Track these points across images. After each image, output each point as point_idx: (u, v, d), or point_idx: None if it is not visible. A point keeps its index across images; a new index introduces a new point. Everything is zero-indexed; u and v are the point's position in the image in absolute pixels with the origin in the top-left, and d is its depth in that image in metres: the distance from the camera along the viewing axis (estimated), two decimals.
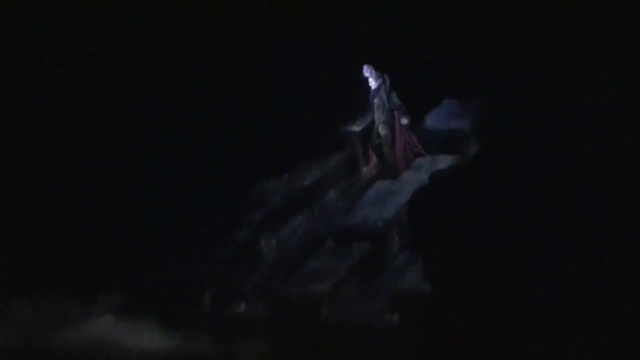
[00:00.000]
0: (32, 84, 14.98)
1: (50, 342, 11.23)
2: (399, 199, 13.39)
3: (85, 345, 11.20)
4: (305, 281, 11.90)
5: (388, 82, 14.01)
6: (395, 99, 13.98)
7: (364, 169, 14.79)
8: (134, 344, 11.31)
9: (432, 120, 15.23)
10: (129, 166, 14.30)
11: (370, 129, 14.45)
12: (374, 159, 14.55)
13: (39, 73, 15.16)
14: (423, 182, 13.49)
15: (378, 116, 14.11)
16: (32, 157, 14.29)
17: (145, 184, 14.05)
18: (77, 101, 15.07)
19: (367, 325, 11.24)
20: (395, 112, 14.06)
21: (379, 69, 13.97)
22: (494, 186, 11.92)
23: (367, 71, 14.04)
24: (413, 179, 13.97)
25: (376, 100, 14.02)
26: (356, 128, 14.72)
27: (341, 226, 13.02)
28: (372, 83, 13.96)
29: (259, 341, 11.21)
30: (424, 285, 11.47)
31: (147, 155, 14.53)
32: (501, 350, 10.11)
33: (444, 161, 14.42)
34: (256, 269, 12.83)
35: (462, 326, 10.48)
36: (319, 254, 12.60)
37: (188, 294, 12.06)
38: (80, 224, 13.44)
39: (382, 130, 14.14)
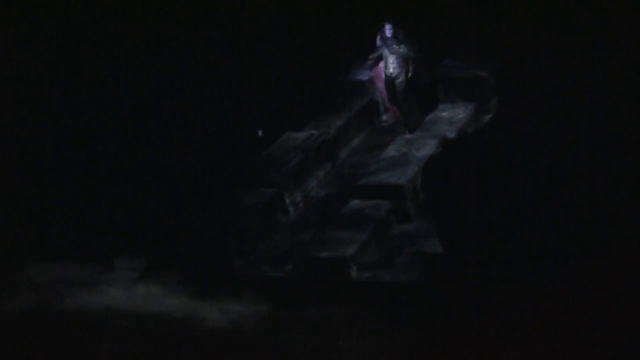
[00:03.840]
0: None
1: (67, 307, 11.18)
2: (421, 154, 13.19)
3: (102, 310, 11.15)
4: (331, 242, 11.66)
5: (402, 33, 14.25)
6: (407, 47, 14.20)
7: (384, 117, 15.26)
8: (153, 309, 11.22)
9: (449, 68, 15.15)
10: (146, 130, 14.22)
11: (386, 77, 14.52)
12: (393, 107, 14.83)
13: None
14: (444, 136, 13.48)
15: (392, 65, 14.33)
16: (49, 125, 14.25)
17: (161, 146, 13.97)
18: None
19: (390, 284, 11.09)
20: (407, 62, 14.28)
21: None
22: (511, 147, 11.76)
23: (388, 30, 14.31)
24: (434, 132, 13.86)
25: (388, 50, 14.27)
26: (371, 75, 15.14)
27: (364, 184, 12.70)
28: (388, 32, 14.24)
29: (284, 303, 11.11)
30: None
31: (163, 116, 14.49)
32: (510, 309, 10.01)
33: (463, 108, 14.46)
34: (281, 228, 12.67)
35: (476, 292, 10.34)
36: (342, 211, 12.37)
37: (210, 257, 11.80)
38: (97, 187, 13.38)
39: (395, 78, 14.32)
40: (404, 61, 14.43)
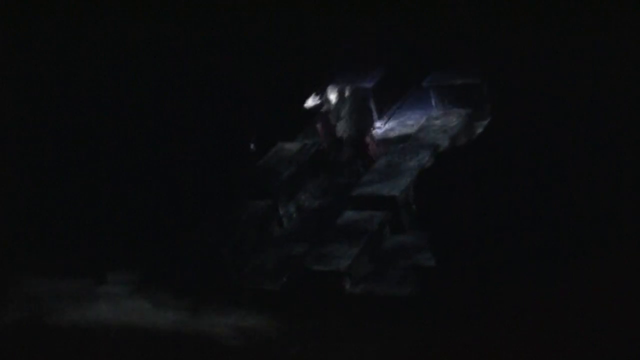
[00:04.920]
0: None
1: (58, 321, 11.22)
2: (414, 164, 13.19)
3: (94, 324, 11.16)
4: (325, 255, 11.78)
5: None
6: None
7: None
8: (148, 321, 11.26)
9: (441, 75, 14.93)
10: (141, 135, 14.25)
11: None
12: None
13: None
14: (437, 145, 13.37)
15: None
16: (42, 133, 14.26)
17: (160, 147, 14.03)
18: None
19: (384, 296, 11.16)
20: None
21: None
22: (506, 153, 11.70)
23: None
24: (428, 139, 13.75)
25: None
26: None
27: (357, 195, 12.78)
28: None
29: (280, 315, 11.16)
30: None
31: (163, 116, 14.51)
32: (507, 320, 10.04)
33: (457, 116, 14.29)
34: (275, 240, 12.72)
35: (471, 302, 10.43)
36: (336, 223, 12.44)
37: (205, 270, 11.92)
38: (88, 200, 13.42)
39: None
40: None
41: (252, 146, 14.45)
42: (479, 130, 14.12)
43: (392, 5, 14.67)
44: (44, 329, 10.89)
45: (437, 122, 14.28)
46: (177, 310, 11.34)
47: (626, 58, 13.31)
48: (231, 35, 15.33)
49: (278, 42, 15.27)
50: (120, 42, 15.22)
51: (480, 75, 14.47)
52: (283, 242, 12.74)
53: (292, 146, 14.06)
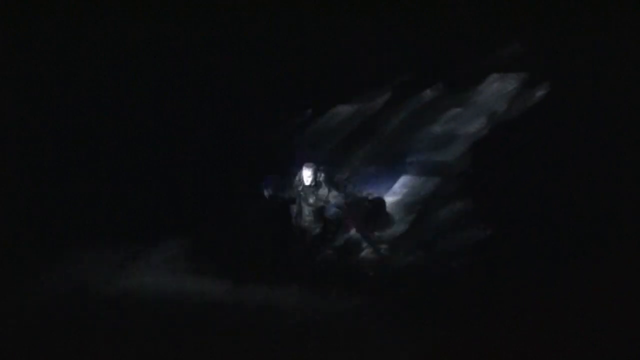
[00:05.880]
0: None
1: (101, 292, 11.17)
2: (469, 130, 12.49)
3: (140, 292, 11.19)
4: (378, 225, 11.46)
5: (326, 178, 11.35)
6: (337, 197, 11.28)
7: None
8: (191, 291, 11.18)
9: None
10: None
11: None
12: None
13: None
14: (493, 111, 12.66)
15: (307, 218, 11.43)
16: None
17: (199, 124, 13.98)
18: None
19: (434, 266, 11.01)
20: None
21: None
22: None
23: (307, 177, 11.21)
24: (483, 106, 13.04)
25: (304, 201, 11.35)
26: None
27: (410, 161, 12.44)
28: (307, 179, 11.23)
29: (327, 285, 11.01)
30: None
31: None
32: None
33: (514, 79, 13.68)
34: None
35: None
36: (389, 190, 12.09)
37: (248, 241, 11.69)
38: (136, 169, 13.38)
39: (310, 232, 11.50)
40: (322, 216, 11.42)
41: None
42: (538, 94, 13.57)
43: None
44: (90, 299, 10.93)
45: (495, 85, 13.71)
46: (220, 280, 11.27)
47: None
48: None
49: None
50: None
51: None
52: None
53: (346, 109, 13.48)
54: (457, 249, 11.09)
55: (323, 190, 11.25)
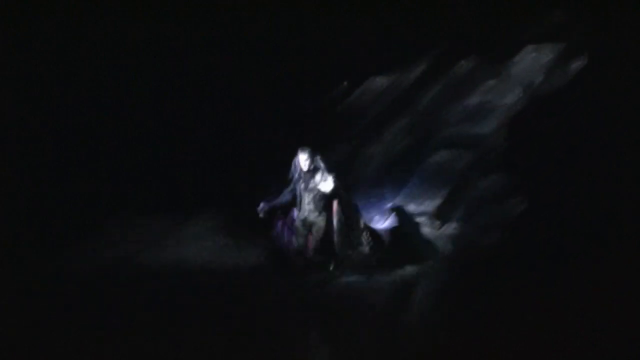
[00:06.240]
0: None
1: (144, 261, 11.22)
2: (505, 102, 12.05)
3: (182, 261, 11.18)
4: (413, 197, 11.33)
5: (323, 163, 10.77)
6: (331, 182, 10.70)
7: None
8: (230, 262, 11.20)
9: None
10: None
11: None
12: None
13: None
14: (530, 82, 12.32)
15: (307, 207, 10.78)
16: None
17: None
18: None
19: (469, 240, 10.88)
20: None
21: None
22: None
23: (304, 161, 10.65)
24: (519, 77, 12.62)
25: (303, 186, 10.76)
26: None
27: (445, 135, 12.14)
28: (304, 164, 10.67)
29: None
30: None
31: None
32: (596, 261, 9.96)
33: (551, 49, 13.26)
34: (361, 182, 12.08)
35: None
36: (424, 163, 11.88)
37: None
38: (178, 140, 13.43)
39: (311, 224, 10.87)
40: (325, 202, 10.73)
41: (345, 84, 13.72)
42: (575, 65, 13.17)
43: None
44: (134, 268, 10.98)
45: (531, 56, 13.31)
46: (256, 249, 11.25)
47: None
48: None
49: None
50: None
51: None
52: (371, 183, 12.01)
53: (381, 81, 13.14)
54: (493, 223, 10.93)
55: (321, 175, 10.73)
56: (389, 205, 11.78)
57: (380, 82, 13.38)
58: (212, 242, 11.49)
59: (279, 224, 11.09)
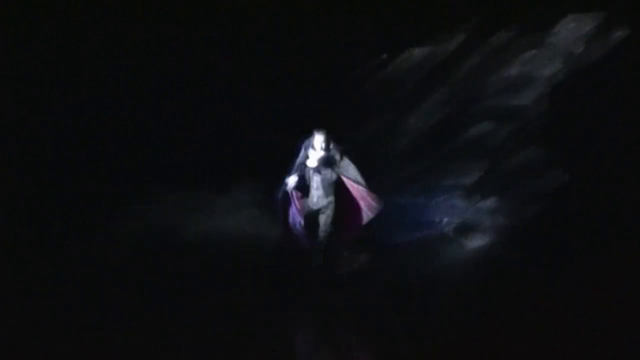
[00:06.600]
0: None
1: (185, 232, 11.44)
2: (545, 73, 11.99)
3: (217, 233, 11.25)
4: (451, 170, 11.27)
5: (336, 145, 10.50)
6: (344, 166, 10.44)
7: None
8: (265, 235, 11.33)
9: None
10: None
11: None
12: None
13: None
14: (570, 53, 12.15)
15: (316, 193, 10.47)
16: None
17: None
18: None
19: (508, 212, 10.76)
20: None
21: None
22: None
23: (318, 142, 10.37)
24: (558, 47, 12.48)
25: (312, 170, 10.47)
26: None
27: (484, 106, 12.06)
28: (318, 145, 10.42)
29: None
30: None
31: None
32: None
33: (592, 18, 12.98)
34: (398, 157, 11.94)
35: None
36: (462, 136, 11.84)
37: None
38: (210, 113, 13.51)
39: (320, 211, 10.56)
40: (334, 187, 10.44)
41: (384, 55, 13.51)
42: (616, 35, 12.88)
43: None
44: (171, 240, 11.07)
45: (571, 26, 13.05)
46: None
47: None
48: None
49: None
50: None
51: None
52: (406, 158, 11.99)
53: (418, 52, 13.02)
54: (533, 195, 10.76)
55: (334, 158, 10.39)
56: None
57: (418, 53, 13.21)
58: (247, 214, 11.44)
59: (293, 211, 10.72)
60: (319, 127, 10.50)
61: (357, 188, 10.51)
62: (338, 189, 10.54)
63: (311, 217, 10.55)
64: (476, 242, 10.93)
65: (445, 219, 11.02)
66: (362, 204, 10.60)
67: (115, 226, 11.39)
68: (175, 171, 12.53)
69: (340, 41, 14.06)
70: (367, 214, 10.66)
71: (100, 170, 12.56)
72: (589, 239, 10.01)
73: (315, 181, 10.47)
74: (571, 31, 13.02)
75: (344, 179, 10.53)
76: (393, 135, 12.32)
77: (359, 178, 10.50)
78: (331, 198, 10.50)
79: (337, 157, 10.44)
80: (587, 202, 10.38)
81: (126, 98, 13.85)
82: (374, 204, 10.56)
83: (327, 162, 10.43)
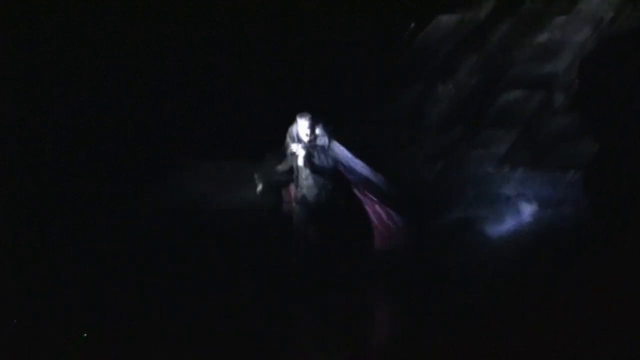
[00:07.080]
0: None
1: (216, 201, 11.56)
2: (577, 39, 11.73)
3: (247, 205, 11.32)
4: (482, 139, 11.15)
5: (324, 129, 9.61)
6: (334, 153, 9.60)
7: None
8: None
9: None
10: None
11: None
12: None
13: None
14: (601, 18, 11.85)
15: (305, 182, 9.60)
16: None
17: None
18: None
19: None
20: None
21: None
22: None
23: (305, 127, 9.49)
24: (589, 13, 12.11)
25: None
26: None
27: (515, 73, 11.87)
28: (304, 131, 9.58)
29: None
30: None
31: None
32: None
33: None
34: (430, 125, 11.84)
35: None
36: (493, 104, 11.64)
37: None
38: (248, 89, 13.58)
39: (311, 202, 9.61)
40: (325, 176, 9.55)
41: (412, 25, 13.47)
42: None
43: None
44: (201, 211, 11.15)
45: None
46: None
47: None
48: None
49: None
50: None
51: None
52: (439, 126, 11.84)
53: (450, 19, 12.75)
54: (564, 164, 10.73)
55: (321, 141, 9.49)
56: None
57: (448, 20, 12.96)
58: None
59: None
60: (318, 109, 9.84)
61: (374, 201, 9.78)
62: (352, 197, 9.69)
63: (302, 211, 9.68)
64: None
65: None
66: (384, 216, 9.86)
67: (142, 199, 11.48)
68: (202, 144, 12.57)
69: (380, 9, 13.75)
70: (390, 233, 10.00)
71: (129, 143, 12.67)
72: (622, 211, 9.77)
73: (304, 172, 9.58)
74: None
75: (356, 191, 9.75)
76: (426, 104, 12.12)
77: (351, 163, 9.68)
78: (325, 189, 9.61)
79: (325, 141, 9.61)
80: (618, 173, 10.11)
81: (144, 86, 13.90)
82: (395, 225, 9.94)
83: (312, 153, 9.54)
